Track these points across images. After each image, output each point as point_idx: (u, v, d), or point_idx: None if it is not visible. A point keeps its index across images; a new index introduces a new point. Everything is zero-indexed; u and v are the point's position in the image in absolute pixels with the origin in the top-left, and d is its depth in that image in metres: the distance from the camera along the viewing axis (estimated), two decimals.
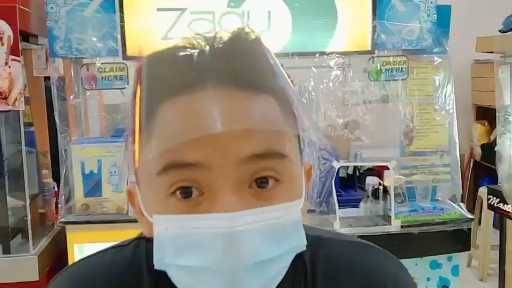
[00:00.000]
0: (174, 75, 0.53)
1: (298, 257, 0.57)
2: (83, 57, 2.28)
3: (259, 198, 0.52)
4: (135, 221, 2.13)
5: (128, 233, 2.32)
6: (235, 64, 0.53)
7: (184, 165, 0.51)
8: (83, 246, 2.18)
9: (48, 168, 2.53)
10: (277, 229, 0.52)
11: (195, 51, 0.54)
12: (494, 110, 2.83)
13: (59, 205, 2.23)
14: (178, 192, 0.52)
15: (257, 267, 0.51)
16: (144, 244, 0.66)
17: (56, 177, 2.45)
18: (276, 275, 0.54)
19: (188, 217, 0.52)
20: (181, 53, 0.55)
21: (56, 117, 2.23)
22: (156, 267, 0.55)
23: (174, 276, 0.55)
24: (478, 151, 4.64)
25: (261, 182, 0.52)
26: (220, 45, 0.54)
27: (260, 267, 0.51)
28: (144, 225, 0.58)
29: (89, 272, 0.66)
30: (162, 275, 0.57)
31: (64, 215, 2.19)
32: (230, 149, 0.51)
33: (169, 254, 0.53)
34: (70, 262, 2.13)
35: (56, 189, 2.49)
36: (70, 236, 2.15)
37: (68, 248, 2.15)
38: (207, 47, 0.54)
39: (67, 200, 2.22)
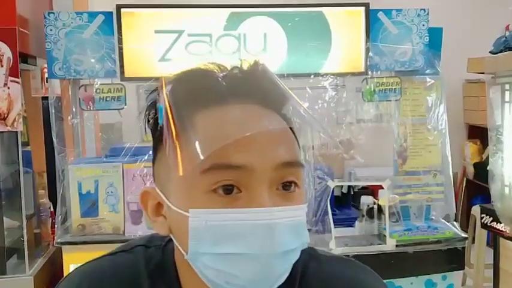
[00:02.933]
0: (208, 89, 0.63)
1: (292, 269, 0.65)
2: (81, 79, 2.31)
3: (283, 198, 0.62)
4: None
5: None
6: (259, 85, 0.64)
7: (230, 167, 0.59)
8: None
9: (45, 188, 2.53)
10: (296, 225, 0.62)
11: (223, 72, 0.65)
12: (486, 128, 2.87)
13: (56, 225, 2.23)
14: (220, 189, 0.60)
15: (283, 256, 0.61)
16: (143, 251, 0.74)
17: (52, 197, 2.46)
18: (289, 266, 0.63)
19: (231, 211, 0.59)
20: (211, 72, 0.65)
21: (53, 138, 2.25)
22: (189, 257, 0.62)
23: (206, 264, 0.61)
24: (470, 170, 4.68)
25: (287, 186, 0.62)
26: (244, 70, 0.66)
27: (284, 256, 0.61)
28: (160, 225, 0.67)
29: (98, 272, 0.73)
30: (159, 280, 0.68)
31: (61, 235, 2.19)
32: (269, 156, 0.61)
33: (205, 244, 0.60)
34: None
35: (52, 209, 2.49)
36: (66, 257, 2.14)
37: (64, 269, 2.14)
38: (234, 70, 0.65)
39: (64, 220, 2.22)
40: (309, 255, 0.73)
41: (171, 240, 0.70)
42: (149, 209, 0.68)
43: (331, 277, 0.73)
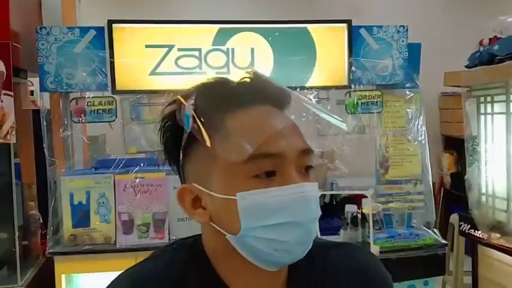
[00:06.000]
0: (231, 96, 0.74)
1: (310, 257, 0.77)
2: (72, 92, 2.35)
3: (305, 179, 0.74)
4: (122, 250, 2.17)
5: (116, 262, 2.38)
6: (267, 90, 0.77)
7: (269, 155, 0.71)
8: (71, 277, 2.20)
9: (34, 199, 2.54)
10: (317, 198, 0.75)
11: (243, 80, 0.77)
12: (462, 140, 2.98)
13: (47, 236, 2.25)
14: (262, 174, 0.71)
15: (315, 221, 0.74)
16: (174, 252, 0.81)
17: (42, 208, 2.48)
18: (316, 231, 0.76)
19: (273, 189, 0.71)
20: (228, 82, 0.77)
21: (45, 150, 2.28)
22: (241, 233, 0.71)
23: (258, 236, 0.71)
24: (447, 180, 4.82)
25: (307, 169, 0.75)
26: (252, 78, 0.77)
27: (315, 222, 0.74)
28: (199, 216, 0.76)
29: (142, 275, 0.79)
30: (197, 272, 0.77)
31: (52, 245, 2.21)
32: (294, 144, 0.73)
33: (254, 219, 0.71)
34: None
35: (41, 220, 2.51)
36: (58, 267, 2.17)
37: (56, 279, 2.17)
38: (245, 79, 0.77)
39: (55, 231, 2.25)
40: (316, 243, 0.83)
41: (195, 239, 0.80)
42: (186, 203, 0.76)
43: (347, 261, 0.85)
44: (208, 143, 0.70)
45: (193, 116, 0.71)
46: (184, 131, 0.73)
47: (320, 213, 0.75)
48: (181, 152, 0.76)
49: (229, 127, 0.72)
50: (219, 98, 0.74)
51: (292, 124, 0.75)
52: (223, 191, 0.72)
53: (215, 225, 0.74)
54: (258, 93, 0.75)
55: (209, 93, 0.75)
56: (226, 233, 0.73)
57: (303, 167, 0.74)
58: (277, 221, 0.70)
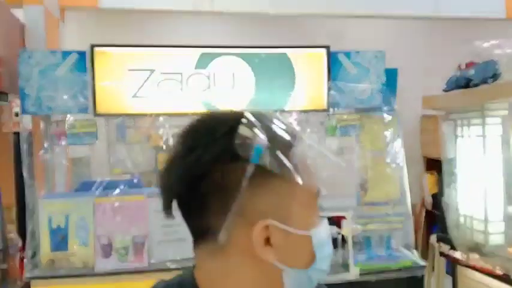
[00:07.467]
0: (290, 132, 0.76)
1: None
2: (53, 114, 2.36)
3: None
4: (101, 275, 2.14)
5: (95, 287, 2.34)
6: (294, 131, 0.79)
7: (319, 193, 0.78)
8: None
9: (13, 222, 2.52)
10: None
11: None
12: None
13: (25, 260, 2.23)
14: (318, 210, 0.79)
15: None
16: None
17: (22, 232, 2.46)
18: None
19: (325, 223, 0.80)
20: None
21: (24, 172, 2.27)
22: (315, 265, 0.78)
23: (319, 269, 0.78)
24: (429, 200, 4.87)
25: None
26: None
27: None
28: (268, 253, 0.73)
29: None
30: None
31: (30, 270, 2.19)
32: None
33: (322, 251, 0.78)
34: None
35: (21, 244, 2.48)
36: None
37: None
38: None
39: (33, 255, 2.23)
40: None
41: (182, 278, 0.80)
42: (261, 241, 0.73)
43: None
44: (299, 180, 0.72)
45: (268, 149, 0.70)
46: (248, 163, 0.69)
47: None
48: (242, 185, 0.70)
49: (295, 163, 0.72)
50: (284, 133, 0.74)
51: None
52: (304, 226, 0.76)
53: (278, 264, 0.74)
54: (292, 133, 0.76)
55: (270, 127, 0.73)
56: (287, 267, 0.75)
57: None
58: (329, 251, 0.79)
